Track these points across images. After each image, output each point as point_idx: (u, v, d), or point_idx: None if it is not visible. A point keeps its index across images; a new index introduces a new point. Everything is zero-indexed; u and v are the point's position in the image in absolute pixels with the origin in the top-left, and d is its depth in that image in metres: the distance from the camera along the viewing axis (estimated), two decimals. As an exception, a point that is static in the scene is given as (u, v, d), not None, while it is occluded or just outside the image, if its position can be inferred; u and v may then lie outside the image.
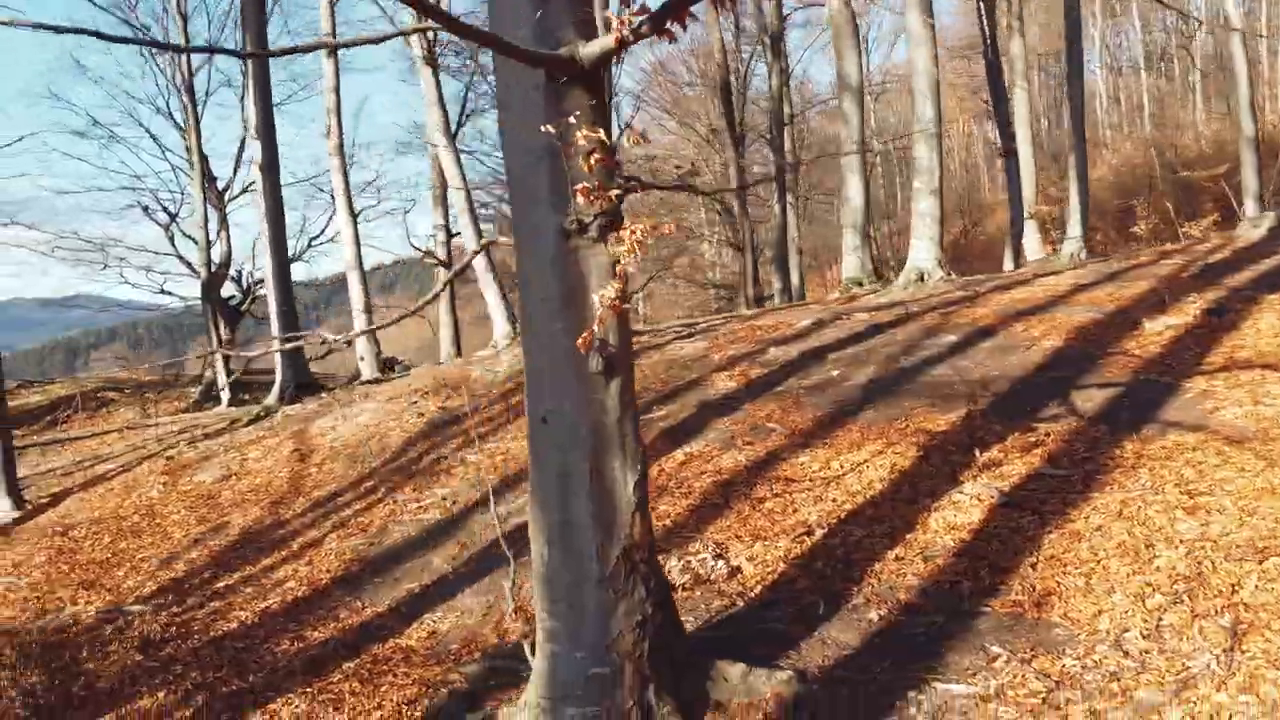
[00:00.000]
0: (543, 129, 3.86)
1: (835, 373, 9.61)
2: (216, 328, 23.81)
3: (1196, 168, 34.29)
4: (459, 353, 25.19)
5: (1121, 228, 30.53)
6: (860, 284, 17.89)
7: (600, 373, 4.14)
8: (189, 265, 24.93)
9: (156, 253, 26.35)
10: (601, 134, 3.88)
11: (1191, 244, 15.03)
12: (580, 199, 3.96)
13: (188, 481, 12.52)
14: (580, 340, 4.01)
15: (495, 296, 18.42)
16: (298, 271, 25.40)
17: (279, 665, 6.46)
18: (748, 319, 14.65)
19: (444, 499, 9.04)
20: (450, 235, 26.40)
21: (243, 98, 27.33)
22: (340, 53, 20.97)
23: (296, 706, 5.78)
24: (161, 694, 6.32)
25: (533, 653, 4.57)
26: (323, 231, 28.86)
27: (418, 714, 5.45)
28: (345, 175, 20.41)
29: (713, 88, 40.97)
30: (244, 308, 26.09)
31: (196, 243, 24.77)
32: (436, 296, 5.09)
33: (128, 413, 23.98)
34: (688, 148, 38.09)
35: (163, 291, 26.51)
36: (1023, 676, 4.17)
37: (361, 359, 19.88)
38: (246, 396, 22.81)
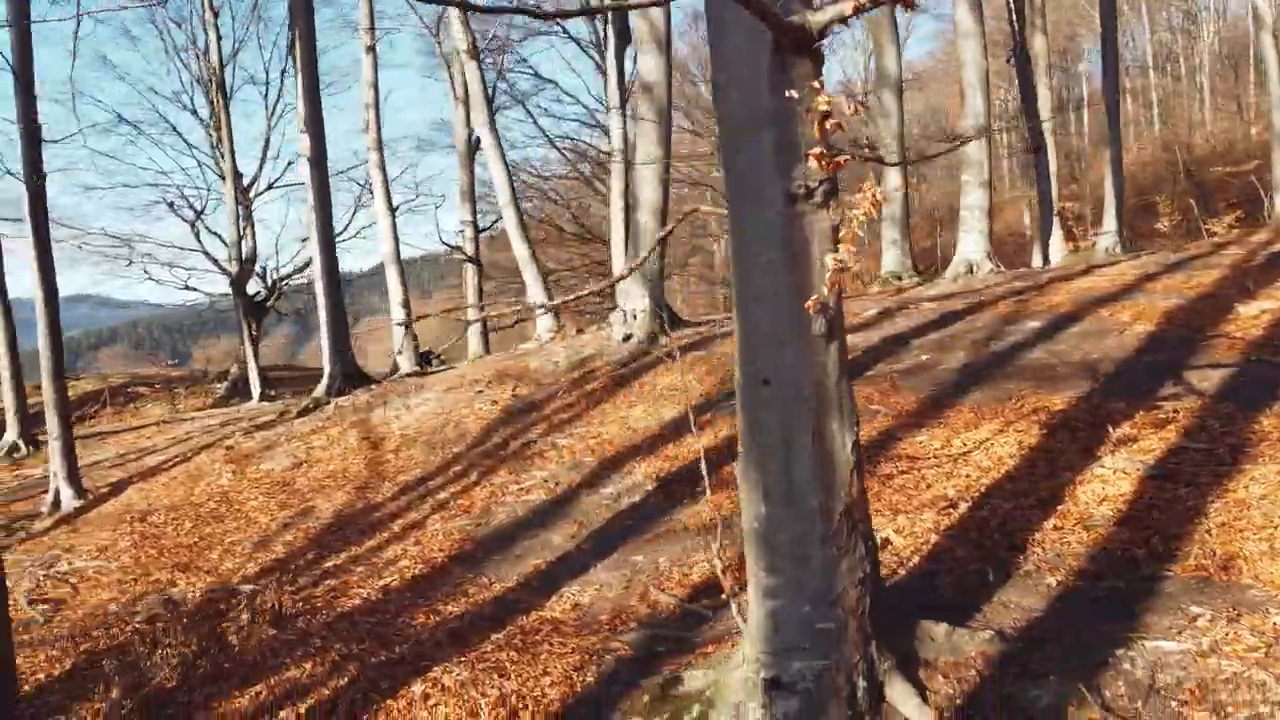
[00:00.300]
0: (788, 94, 3.95)
1: (925, 357, 9.72)
2: (249, 323, 23.84)
3: (1209, 165, 34.60)
4: (487, 348, 25.23)
5: (1137, 224, 30.80)
6: (899, 277, 18.04)
7: (823, 335, 4.24)
8: (215, 261, 24.96)
9: (182, 248, 26.37)
10: (843, 99, 3.98)
11: (1243, 236, 15.21)
12: (813, 163, 4.05)
13: (256, 470, 12.58)
14: (809, 303, 4.11)
15: (540, 290, 18.55)
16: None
17: (422, 637, 6.52)
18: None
19: (545, 481, 9.11)
20: (478, 231, 26.48)
21: (267, 94, 27.45)
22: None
23: (458, 675, 5.83)
24: (308, 665, 6.36)
25: (739, 611, 4.66)
26: (346, 227, 28.89)
27: (588, 679, 5.52)
28: (383, 169, 20.44)
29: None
30: (269, 303, 26.13)
31: (223, 239, 24.80)
32: (638, 267, 5.16)
33: (155, 408, 24.03)
34: (703, 145, 38.20)
35: (186, 287, 26.51)
36: (1235, 633, 4.28)
37: (400, 353, 19.90)
38: (273, 392, 22.92)
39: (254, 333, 23.85)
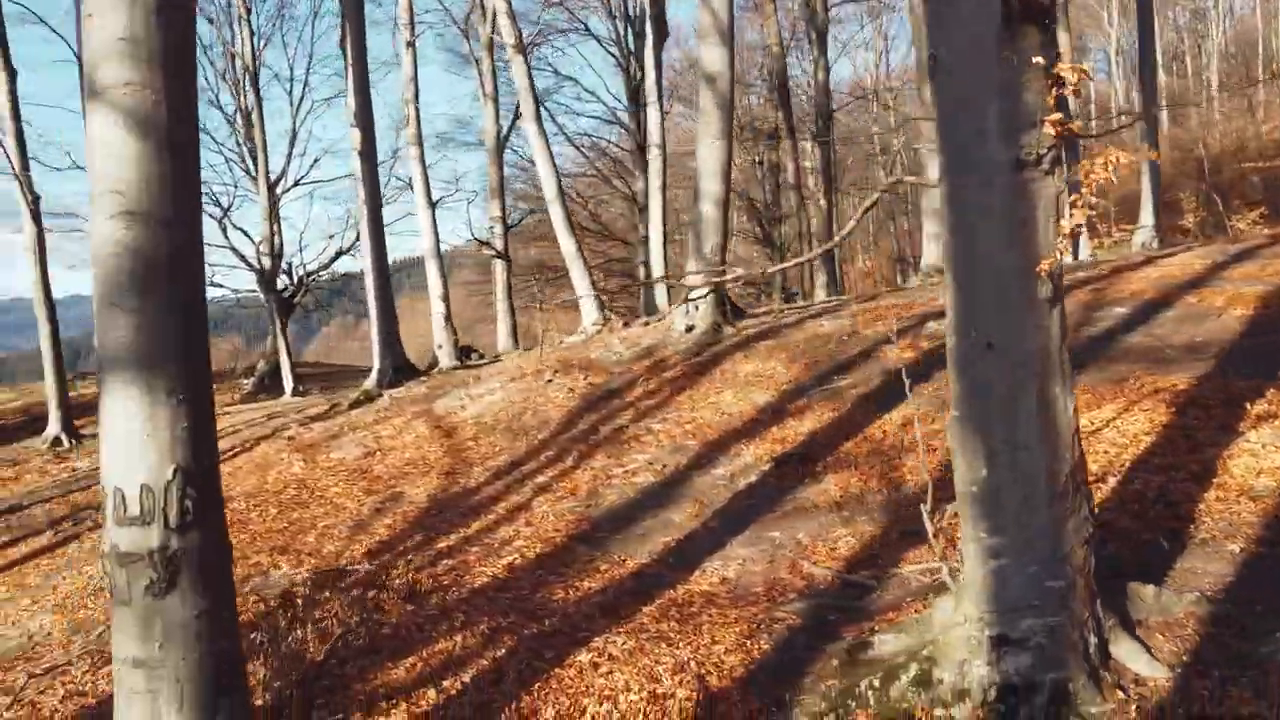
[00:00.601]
0: (1034, 60, 4.05)
1: (1018, 342, 9.80)
2: (281, 319, 23.88)
3: (1221, 164, 34.88)
4: (516, 343, 25.32)
5: (1159, 220, 30.97)
6: (941, 270, 18.12)
7: (1048, 300, 4.32)
8: (242, 258, 24.97)
9: (209, 244, 26.32)
10: (1087, 66, 4.06)
11: (1296, 228, 15.33)
12: (1048, 129, 4.14)
13: (326, 459, 12.59)
14: (1042, 266, 4.20)
15: (586, 284, 18.59)
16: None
17: (568, 611, 6.55)
18: (865, 299, 14.84)
19: (649, 463, 9.17)
20: (507, 227, 26.55)
21: (291, 90, 27.48)
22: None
23: (623, 644, 5.86)
24: (458, 638, 6.38)
25: (951, 574, 4.75)
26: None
27: (764, 646, 5.56)
28: (423, 164, 20.49)
29: (740, 83, 41.29)
30: (297, 299, 26.14)
31: (250, 236, 24.80)
32: (844, 238, 5.22)
33: (183, 403, 23.92)
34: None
35: (212, 284, 26.41)
36: None
37: (439, 347, 19.98)
38: (302, 388, 22.94)
39: (286, 327, 23.89)
